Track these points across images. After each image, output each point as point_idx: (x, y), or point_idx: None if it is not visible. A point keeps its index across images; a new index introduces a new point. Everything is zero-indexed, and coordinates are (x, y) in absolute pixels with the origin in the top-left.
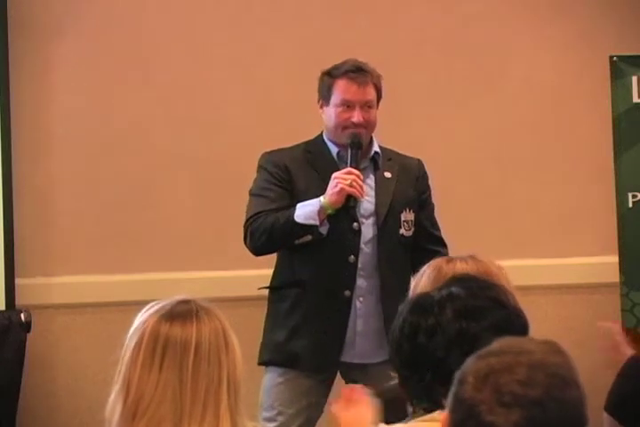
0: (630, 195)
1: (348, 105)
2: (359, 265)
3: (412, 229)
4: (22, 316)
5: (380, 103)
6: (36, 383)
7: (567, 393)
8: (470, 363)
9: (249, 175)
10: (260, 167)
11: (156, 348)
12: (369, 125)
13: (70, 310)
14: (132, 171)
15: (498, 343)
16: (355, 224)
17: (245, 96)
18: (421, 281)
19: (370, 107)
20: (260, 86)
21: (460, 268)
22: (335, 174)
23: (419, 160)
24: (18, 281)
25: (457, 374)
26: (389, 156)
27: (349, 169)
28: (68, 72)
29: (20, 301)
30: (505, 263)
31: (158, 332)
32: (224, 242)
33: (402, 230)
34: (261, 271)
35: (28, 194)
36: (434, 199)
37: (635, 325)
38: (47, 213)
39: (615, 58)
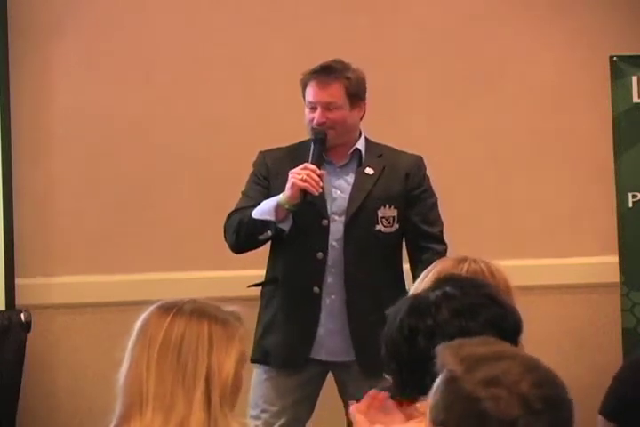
0: (630, 195)
1: (312, 106)
2: (329, 262)
3: (395, 225)
4: (22, 316)
5: (380, 103)
6: (36, 383)
7: (561, 381)
8: (468, 375)
9: (248, 175)
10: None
11: (135, 331)
12: (335, 126)
13: (70, 310)
14: (132, 171)
15: (475, 350)
16: (324, 221)
17: (245, 96)
18: (423, 284)
19: (335, 107)
20: (260, 86)
21: (472, 270)
22: (291, 170)
23: (417, 157)
24: (18, 281)
25: (458, 389)
26: (381, 152)
27: (305, 164)
28: (68, 72)
29: (20, 301)
30: (505, 263)
31: (145, 318)
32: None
33: (379, 226)
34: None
35: (27, 194)
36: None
37: (635, 325)
38: (47, 213)
39: (615, 58)
